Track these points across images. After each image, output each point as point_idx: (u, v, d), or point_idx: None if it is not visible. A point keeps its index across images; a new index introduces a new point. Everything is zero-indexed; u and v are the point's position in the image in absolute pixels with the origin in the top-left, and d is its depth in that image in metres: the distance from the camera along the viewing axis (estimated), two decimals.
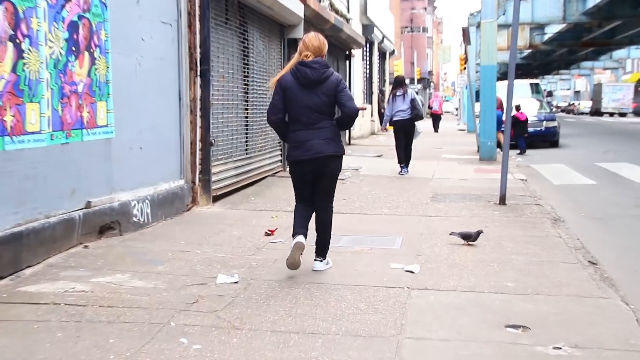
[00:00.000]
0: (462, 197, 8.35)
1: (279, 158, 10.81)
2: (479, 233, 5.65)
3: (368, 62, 23.79)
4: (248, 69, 9.12)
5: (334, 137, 4.71)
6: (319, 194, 4.76)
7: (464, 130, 26.83)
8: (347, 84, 17.96)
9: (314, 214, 4.79)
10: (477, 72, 28.37)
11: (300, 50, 4.72)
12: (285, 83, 4.67)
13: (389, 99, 11.13)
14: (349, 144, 17.96)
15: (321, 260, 4.83)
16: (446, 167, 12.54)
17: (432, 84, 71.30)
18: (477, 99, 18.21)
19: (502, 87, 15.83)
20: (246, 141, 9.17)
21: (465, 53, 17.55)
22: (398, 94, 10.93)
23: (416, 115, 10.84)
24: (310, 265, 4.83)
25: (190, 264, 4.89)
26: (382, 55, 28.31)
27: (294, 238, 4.61)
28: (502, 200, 7.75)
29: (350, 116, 4.70)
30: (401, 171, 11.16)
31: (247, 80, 9.11)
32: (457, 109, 38.62)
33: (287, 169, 10.84)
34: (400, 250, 5.43)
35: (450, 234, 5.74)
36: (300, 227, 4.66)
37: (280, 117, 4.71)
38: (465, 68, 25.59)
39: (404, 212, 7.28)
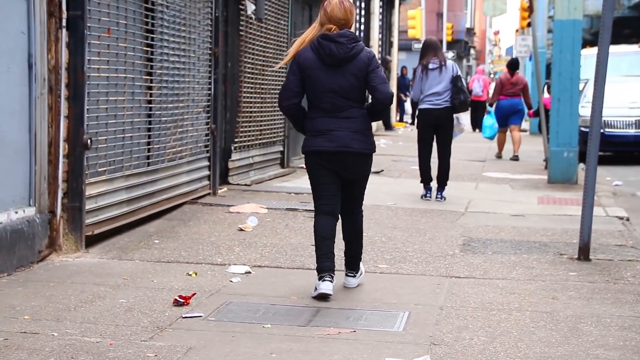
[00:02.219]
0: (515, 246, 8.44)
1: (206, 173, 10.85)
2: None
3: (363, 13, 23.99)
4: (153, 19, 9.17)
5: (364, 129, 6.24)
6: (346, 198, 6.37)
7: (525, 131, 27.12)
8: None
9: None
10: (549, 31, 28.80)
11: (321, 21, 6.21)
12: (304, 61, 6.15)
13: (415, 75, 11.30)
14: None
15: (354, 275, 6.57)
16: (491, 192, 12.68)
17: (472, 52, 72.15)
18: (549, 77, 18.45)
19: (590, 58, 16.09)
20: (148, 143, 9.20)
21: None
22: (432, 66, 11.17)
23: (461, 102, 11.09)
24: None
25: (37, 355, 4.84)
26: (388, 1, 28.59)
27: (319, 281, 6.16)
28: (584, 254, 7.84)
29: (384, 104, 6.22)
30: (426, 194, 11.45)
31: (152, 39, 9.16)
32: None
33: (221, 189, 10.94)
34: (403, 334, 5.45)
35: None
36: (325, 259, 6.17)
37: (296, 102, 6.23)
38: (529, 24, 25.91)
39: (413, 269, 7.35)
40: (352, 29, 6.39)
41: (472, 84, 29.26)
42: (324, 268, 6.17)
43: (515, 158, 18.28)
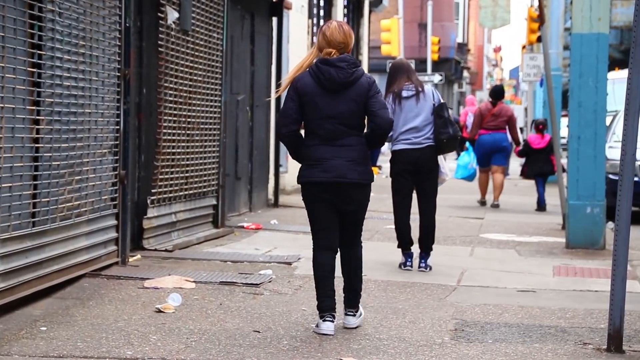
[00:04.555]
0: (524, 332, 8.45)
1: (113, 235, 10.79)
2: None
3: (321, 22, 24.10)
4: (41, 30, 9.16)
5: (362, 158, 7.91)
6: (344, 229, 8.09)
7: None
8: (273, 68, 18.26)
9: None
10: (565, 48, 29.06)
11: (319, 45, 7.88)
12: (302, 87, 7.82)
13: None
14: (275, 204, 18.22)
15: (353, 314, 8.15)
16: (491, 260, 12.73)
17: (466, 74, 72.75)
18: (566, 108, 18.65)
19: (619, 83, 16.21)
20: (34, 196, 9.16)
21: (540, 6, 17.98)
22: (406, 93, 11.31)
23: (451, 138, 11.23)
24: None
25: None
26: (356, 7, 28.78)
27: (320, 320, 7.95)
28: (616, 343, 7.82)
29: (384, 129, 7.93)
30: (406, 262, 11.51)
31: (40, 56, 9.17)
32: (521, 131, 39.37)
33: (133, 256, 10.94)
34: None
35: None
36: (325, 298, 7.93)
37: (295, 129, 7.89)
38: (539, 39, 26.15)
39: None
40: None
41: (464, 118, 29.51)
42: (325, 307, 7.88)
43: (495, 206, 19.87)
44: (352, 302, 8.12)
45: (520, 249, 13.79)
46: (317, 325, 7.95)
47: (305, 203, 8.05)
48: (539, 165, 19.76)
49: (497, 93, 20.21)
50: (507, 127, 19.87)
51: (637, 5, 7.71)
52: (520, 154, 20.86)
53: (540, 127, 20.06)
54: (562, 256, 13.13)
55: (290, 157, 19.59)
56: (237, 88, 16.03)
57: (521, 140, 20.92)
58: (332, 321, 7.86)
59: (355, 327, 8.08)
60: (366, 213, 8.24)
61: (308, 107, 7.82)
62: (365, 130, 8.10)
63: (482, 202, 20.16)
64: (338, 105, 7.78)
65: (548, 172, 19.87)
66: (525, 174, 20.85)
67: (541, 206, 19.76)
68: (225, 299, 9.36)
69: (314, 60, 7.89)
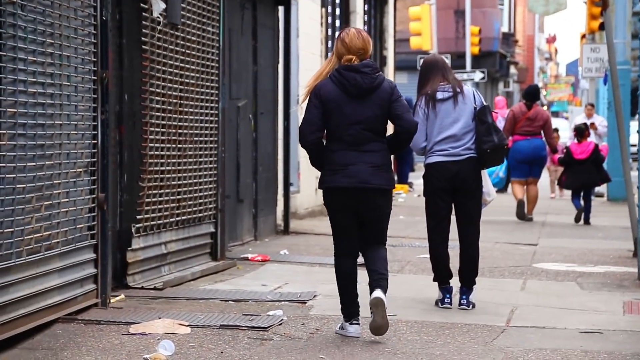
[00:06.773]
0: None
1: (91, 271, 10.76)
2: None
3: (338, 13, 24.09)
4: (2, 25, 9.10)
5: (385, 164, 9.44)
6: (366, 238, 9.59)
7: (601, 196, 27.59)
8: (280, 68, 18.30)
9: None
10: (634, 37, 28.91)
11: (338, 52, 9.44)
12: (326, 94, 9.35)
13: (415, 111, 11.22)
14: (286, 231, 18.28)
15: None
16: (547, 295, 12.72)
17: (513, 70, 72.56)
18: (636, 111, 18.61)
19: None
20: None
21: None
22: (441, 95, 11.31)
23: (496, 148, 11.23)
24: None
25: None
26: None
27: (347, 323, 9.59)
28: None
29: (409, 132, 9.52)
30: (444, 299, 11.52)
31: None
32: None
33: (116, 296, 10.97)
34: None
35: None
36: (352, 302, 9.58)
37: (320, 136, 9.45)
38: (602, 27, 26.04)
39: None
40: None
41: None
42: (352, 313, 9.54)
43: (529, 219, 21.15)
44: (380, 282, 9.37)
45: (582, 282, 13.73)
46: (341, 328, 9.62)
47: (327, 208, 9.62)
48: (584, 176, 20.43)
49: (531, 94, 20.95)
50: (542, 132, 20.72)
51: None
52: (560, 163, 21.42)
53: (582, 131, 20.92)
54: (635, 289, 13.08)
55: (301, 176, 19.76)
56: (237, 92, 16.00)
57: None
58: (359, 324, 9.50)
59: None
60: (389, 221, 9.68)
61: (333, 114, 9.35)
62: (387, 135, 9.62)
63: (526, 218, 21.14)
64: (364, 111, 9.34)
65: (593, 183, 20.83)
66: (562, 184, 21.38)
67: (585, 217, 20.81)
68: (227, 346, 9.34)
69: (334, 68, 9.47)
